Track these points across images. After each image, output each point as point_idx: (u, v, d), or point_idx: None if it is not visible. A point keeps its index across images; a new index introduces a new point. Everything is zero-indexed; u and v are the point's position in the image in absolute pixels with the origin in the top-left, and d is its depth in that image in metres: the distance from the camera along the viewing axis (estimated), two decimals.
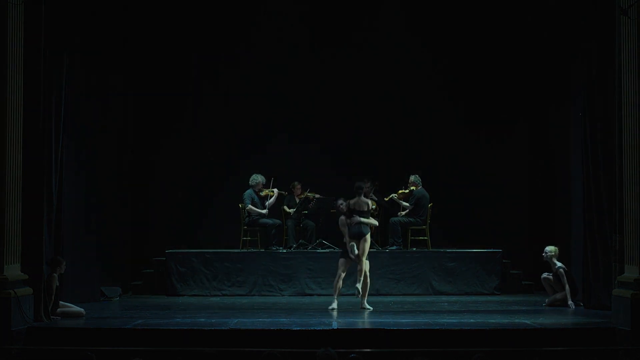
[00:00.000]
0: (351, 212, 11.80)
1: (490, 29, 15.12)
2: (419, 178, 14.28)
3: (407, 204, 14.19)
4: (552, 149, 14.30)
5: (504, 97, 15.20)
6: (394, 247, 14.11)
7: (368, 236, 11.71)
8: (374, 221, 12.10)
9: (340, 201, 11.99)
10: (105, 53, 13.38)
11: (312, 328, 9.77)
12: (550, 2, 13.84)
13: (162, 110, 15.23)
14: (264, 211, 14.00)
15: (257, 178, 14.09)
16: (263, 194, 14.12)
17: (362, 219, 11.72)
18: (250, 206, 13.96)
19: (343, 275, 11.76)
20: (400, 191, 14.28)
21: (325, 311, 11.46)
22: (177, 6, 15.00)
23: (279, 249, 14.01)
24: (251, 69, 15.32)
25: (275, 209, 14.45)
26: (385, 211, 14.74)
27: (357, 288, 11.62)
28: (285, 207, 14.65)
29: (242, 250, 13.95)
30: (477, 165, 15.15)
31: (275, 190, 14.24)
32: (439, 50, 15.27)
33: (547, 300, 12.27)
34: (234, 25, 15.25)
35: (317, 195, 14.46)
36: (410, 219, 14.18)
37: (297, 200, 14.65)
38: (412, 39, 15.27)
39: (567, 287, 12.02)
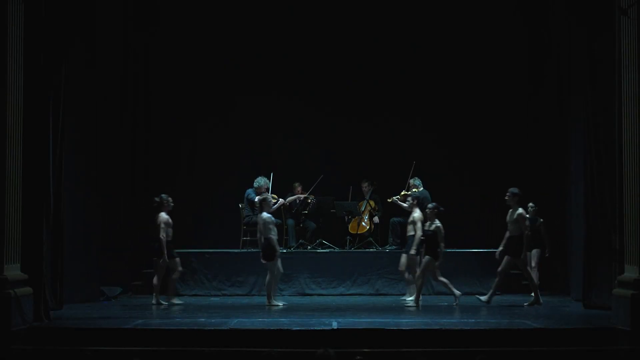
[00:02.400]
0: None
1: (490, 31, 15.18)
2: (419, 180, 14.31)
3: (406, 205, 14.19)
4: (552, 149, 14.29)
5: (504, 98, 15.25)
6: (394, 247, 14.13)
7: None
8: None
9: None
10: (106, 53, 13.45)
11: (312, 328, 9.77)
12: (552, 3, 13.91)
13: (162, 111, 15.26)
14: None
15: (261, 181, 14.07)
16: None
17: None
18: (257, 198, 13.93)
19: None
20: (402, 193, 14.29)
21: (325, 311, 11.48)
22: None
23: (280, 249, 14.01)
24: (253, 72, 15.37)
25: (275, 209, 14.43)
26: (383, 212, 14.77)
27: None
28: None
29: (242, 250, 13.95)
30: (477, 165, 15.18)
31: (281, 200, 14.21)
32: (440, 52, 15.32)
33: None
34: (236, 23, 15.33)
35: (311, 197, 14.48)
36: None
37: (298, 201, 14.66)
38: (414, 39, 15.32)
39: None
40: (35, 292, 10.23)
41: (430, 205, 12.28)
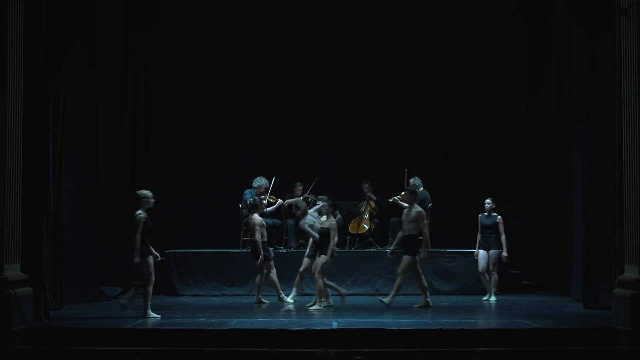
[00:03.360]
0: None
1: (490, 31, 15.19)
2: (419, 180, 14.31)
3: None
4: (552, 149, 14.30)
5: (504, 98, 15.25)
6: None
7: None
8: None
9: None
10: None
11: (312, 328, 9.78)
12: (552, 3, 13.93)
13: (162, 111, 15.27)
14: (264, 201, 13.93)
15: (261, 181, 14.06)
16: (265, 200, 14.03)
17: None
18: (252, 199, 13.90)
19: None
20: (402, 193, 14.27)
21: (325, 311, 11.48)
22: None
23: (279, 249, 14.02)
24: (253, 72, 15.37)
25: (275, 210, 14.43)
26: (383, 212, 14.76)
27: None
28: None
29: (242, 250, 13.93)
30: (477, 165, 15.17)
31: (280, 200, 14.21)
32: (440, 52, 15.32)
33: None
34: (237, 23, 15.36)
35: (311, 197, 14.47)
36: None
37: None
38: (414, 39, 15.33)
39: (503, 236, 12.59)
40: (35, 292, 10.23)
41: (325, 202, 12.08)
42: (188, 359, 8.89)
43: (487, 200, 12.92)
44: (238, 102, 15.41)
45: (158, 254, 11.05)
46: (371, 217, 14.70)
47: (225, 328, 9.82)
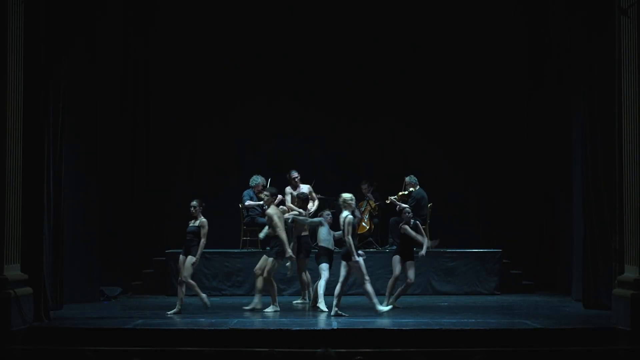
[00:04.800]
0: None
1: (490, 31, 15.19)
2: (414, 178, 14.26)
3: (406, 206, 14.15)
4: (552, 148, 14.30)
5: (504, 98, 15.25)
6: (394, 247, 14.10)
7: None
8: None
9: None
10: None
11: (312, 328, 9.78)
12: (552, 3, 13.94)
13: (162, 111, 15.27)
14: (261, 202, 13.86)
15: (257, 179, 14.07)
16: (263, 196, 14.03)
17: None
18: (248, 202, 13.90)
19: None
20: (400, 193, 14.26)
21: (325, 311, 11.47)
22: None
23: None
24: (253, 72, 15.37)
25: None
26: (383, 211, 14.76)
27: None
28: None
29: (242, 250, 13.94)
30: (478, 165, 15.17)
31: (280, 196, 14.22)
32: (440, 52, 15.32)
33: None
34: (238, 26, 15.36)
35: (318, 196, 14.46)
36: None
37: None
38: (414, 39, 15.32)
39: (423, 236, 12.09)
40: (35, 292, 10.24)
41: (193, 203, 11.63)
42: (188, 359, 8.90)
43: (406, 206, 12.51)
44: (238, 101, 15.41)
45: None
46: (371, 217, 14.69)
47: (225, 328, 9.83)
